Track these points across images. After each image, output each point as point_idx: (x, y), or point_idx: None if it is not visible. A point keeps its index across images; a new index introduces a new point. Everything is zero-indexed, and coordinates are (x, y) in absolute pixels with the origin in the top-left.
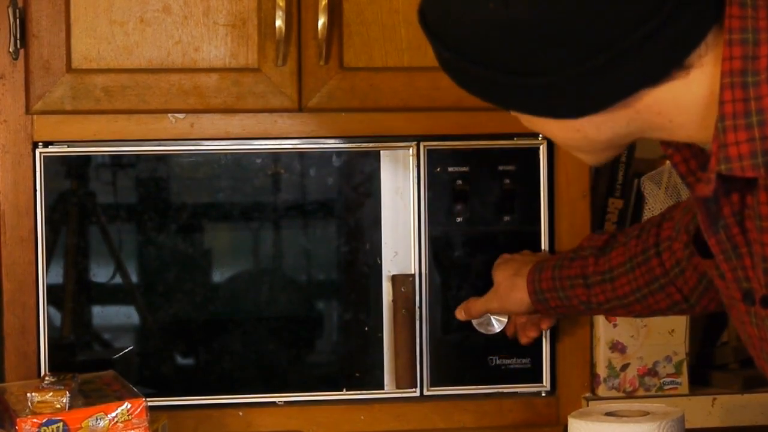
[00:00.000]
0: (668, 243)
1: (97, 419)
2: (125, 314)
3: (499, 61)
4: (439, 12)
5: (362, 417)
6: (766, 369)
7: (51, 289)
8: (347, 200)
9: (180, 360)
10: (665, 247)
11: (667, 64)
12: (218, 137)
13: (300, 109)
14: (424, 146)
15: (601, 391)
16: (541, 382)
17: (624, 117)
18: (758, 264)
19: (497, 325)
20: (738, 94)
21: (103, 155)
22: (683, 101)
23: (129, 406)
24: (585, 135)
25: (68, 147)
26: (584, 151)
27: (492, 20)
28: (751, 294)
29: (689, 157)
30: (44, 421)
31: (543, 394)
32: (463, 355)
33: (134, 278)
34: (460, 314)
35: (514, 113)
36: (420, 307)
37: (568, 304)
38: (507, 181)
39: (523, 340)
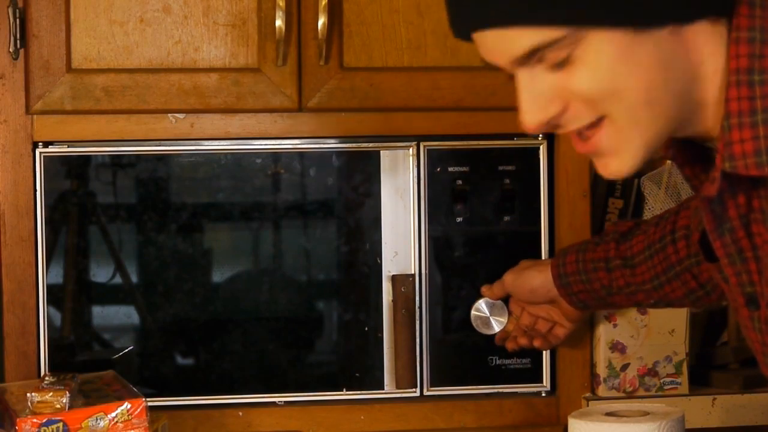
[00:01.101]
0: (684, 231)
1: (97, 419)
2: (125, 314)
3: None
4: None
5: (362, 417)
6: None
7: (51, 289)
8: (347, 200)
9: (180, 360)
10: (681, 236)
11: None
12: (218, 137)
13: (300, 109)
14: (424, 146)
15: (601, 391)
16: (541, 382)
17: (669, 50)
18: (766, 266)
19: (497, 325)
20: (744, 92)
21: (103, 155)
22: (708, 53)
23: (129, 406)
24: (638, 68)
25: (68, 147)
26: (637, 107)
27: None
28: (755, 298)
29: (693, 159)
30: (44, 421)
31: (543, 394)
32: (463, 355)
33: (134, 278)
34: (487, 290)
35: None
36: (420, 307)
37: (590, 288)
38: (507, 181)
39: (510, 345)
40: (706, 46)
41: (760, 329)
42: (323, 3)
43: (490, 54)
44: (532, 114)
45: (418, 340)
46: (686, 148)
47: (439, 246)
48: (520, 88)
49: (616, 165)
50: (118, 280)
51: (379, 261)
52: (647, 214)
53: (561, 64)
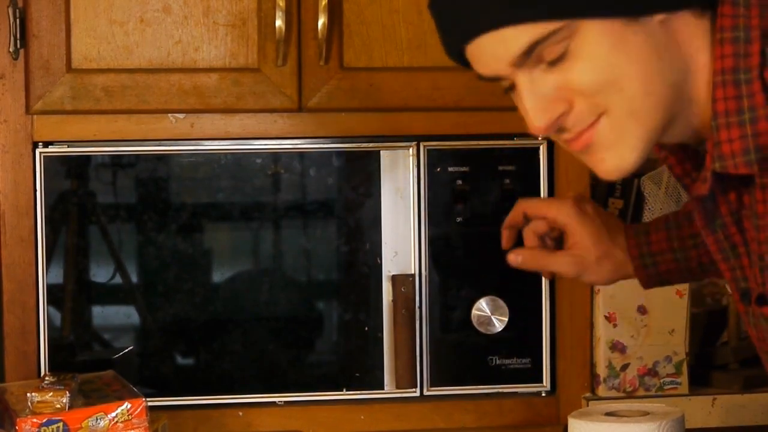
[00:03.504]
0: None
1: (97, 419)
2: (125, 314)
3: None
4: None
5: (362, 417)
6: None
7: (51, 289)
8: (347, 200)
9: (180, 360)
10: None
11: None
12: (218, 137)
13: (300, 109)
14: (424, 146)
15: (601, 391)
16: (541, 382)
17: (661, 40)
18: (755, 262)
19: (498, 324)
20: (730, 92)
21: (103, 155)
22: (696, 47)
23: (129, 406)
24: (634, 58)
25: (68, 147)
26: (634, 100)
27: None
28: (748, 293)
29: (684, 159)
30: (44, 421)
31: (543, 394)
32: (463, 355)
33: (134, 278)
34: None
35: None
36: (420, 307)
37: (685, 267)
38: (507, 181)
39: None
40: (694, 40)
41: (755, 324)
42: (323, 3)
43: (487, 62)
44: (538, 116)
45: (418, 340)
46: (675, 149)
47: (439, 246)
48: (522, 92)
49: (614, 160)
50: (118, 280)
51: (379, 261)
52: (647, 215)
53: (559, 61)
